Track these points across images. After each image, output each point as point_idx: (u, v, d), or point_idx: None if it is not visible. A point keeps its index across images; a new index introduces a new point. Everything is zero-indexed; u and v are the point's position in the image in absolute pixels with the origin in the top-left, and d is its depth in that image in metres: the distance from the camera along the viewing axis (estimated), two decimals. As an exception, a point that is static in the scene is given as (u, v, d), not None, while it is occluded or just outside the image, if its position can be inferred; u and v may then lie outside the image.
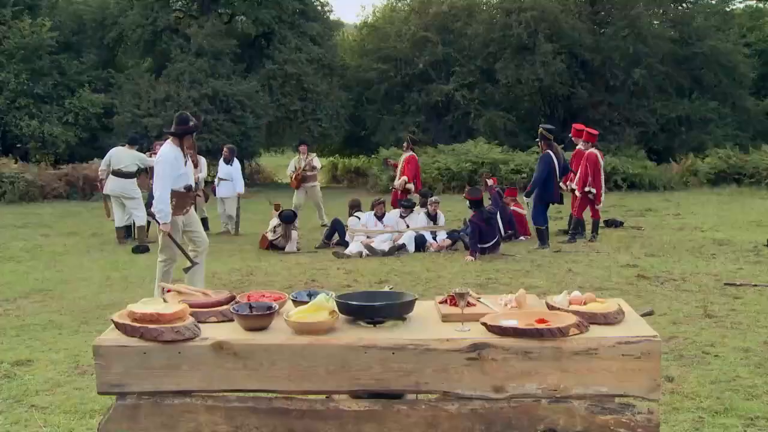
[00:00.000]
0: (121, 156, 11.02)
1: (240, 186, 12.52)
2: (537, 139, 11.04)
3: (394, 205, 12.46)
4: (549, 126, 10.88)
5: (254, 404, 2.62)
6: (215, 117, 22.98)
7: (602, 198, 11.25)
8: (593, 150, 11.12)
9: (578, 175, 10.99)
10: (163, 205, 6.51)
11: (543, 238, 10.34)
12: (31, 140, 22.89)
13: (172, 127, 6.78)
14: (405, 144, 13.40)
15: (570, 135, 11.93)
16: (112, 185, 11.03)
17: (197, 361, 2.58)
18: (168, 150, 6.68)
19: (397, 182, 13.01)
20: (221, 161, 12.85)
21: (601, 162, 11.27)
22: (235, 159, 12.90)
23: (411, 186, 12.68)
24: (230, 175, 12.57)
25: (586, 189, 10.93)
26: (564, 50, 25.18)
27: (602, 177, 11.25)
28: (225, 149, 13.01)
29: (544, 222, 10.44)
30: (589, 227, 11.20)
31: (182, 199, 6.67)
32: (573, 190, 11.17)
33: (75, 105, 23.41)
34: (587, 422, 2.53)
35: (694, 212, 14.59)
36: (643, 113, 25.74)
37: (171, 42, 24.78)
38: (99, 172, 11.60)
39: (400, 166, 13.06)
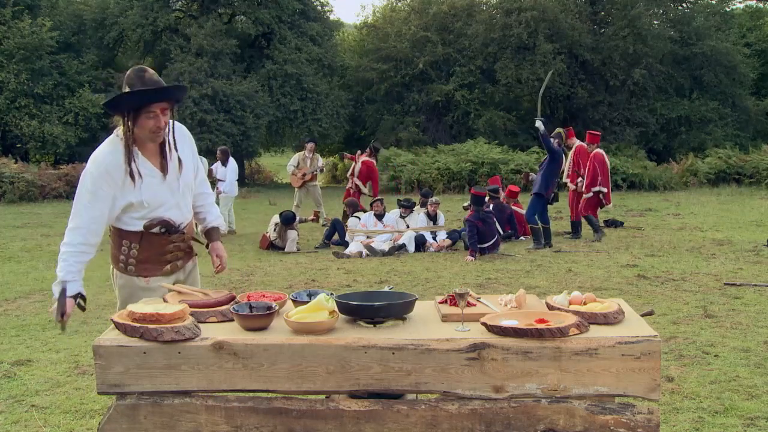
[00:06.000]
0: None
1: (223, 186, 12.55)
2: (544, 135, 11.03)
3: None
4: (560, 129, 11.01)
5: (254, 404, 2.61)
6: (215, 117, 22.99)
7: (610, 197, 11.33)
8: (599, 150, 11.17)
9: (587, 175, 10.99)
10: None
11: (539, 237, 10.34)
12: (31, 140, 22.91)
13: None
14: (368, 149, 13.42)
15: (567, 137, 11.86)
16: None
17: (197, 361, 2.58)
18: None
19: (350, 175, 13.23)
20: (218, 163, 12.87)
21: (608, 162, 11.34)
22: (230, 160, 12.87)
23: (366, 190, 12.97)
24: (224, 175, 12.64)
25: (596, 189, 10.93)
26: (564, 50, 25.19)
27: (609, 177, 11.30)
28: (218, 151, 13.06)
29: (545, 221, 10.44)
30: (588, 229, 11.20)
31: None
32: (574, 190, 11.18)
33: (75, 105, 23.42)
34: (587, 422, 2.52)
35: (694, 212, 14.59)
36: (643, 113, 25.76)
37: (171, 42, 24.80)
38: None
39: (357, 167, 13.11)
